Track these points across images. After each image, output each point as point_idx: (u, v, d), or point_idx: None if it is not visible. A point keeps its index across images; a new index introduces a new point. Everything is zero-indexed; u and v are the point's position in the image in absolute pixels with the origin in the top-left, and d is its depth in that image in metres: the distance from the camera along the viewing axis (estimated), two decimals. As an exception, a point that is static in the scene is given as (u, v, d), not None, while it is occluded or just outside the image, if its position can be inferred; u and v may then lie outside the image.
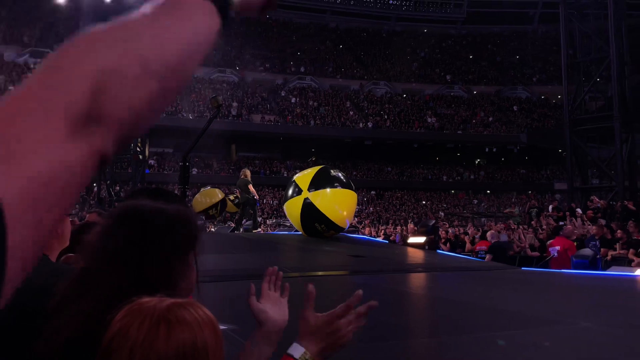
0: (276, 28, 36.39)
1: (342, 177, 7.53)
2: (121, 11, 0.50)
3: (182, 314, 0.72)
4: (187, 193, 9.86)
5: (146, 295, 0.74)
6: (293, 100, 34.01)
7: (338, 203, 7.27)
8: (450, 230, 13.56)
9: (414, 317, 3.95)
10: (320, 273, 5.51)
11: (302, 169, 36.07)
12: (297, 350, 1.04)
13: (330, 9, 35.39)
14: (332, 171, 7.63)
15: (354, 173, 33.15)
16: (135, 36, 0.45)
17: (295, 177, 7.71)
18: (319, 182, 7.25)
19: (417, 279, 5.74)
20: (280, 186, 31.57)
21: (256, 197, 10.28)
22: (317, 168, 7.76)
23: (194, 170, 26.60)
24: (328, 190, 7.21)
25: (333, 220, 7.21)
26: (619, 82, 18.32)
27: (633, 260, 8.03)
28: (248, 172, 10.44)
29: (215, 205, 10.45)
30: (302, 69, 35.39)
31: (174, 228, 0.94)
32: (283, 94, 34.22)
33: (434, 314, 3.98)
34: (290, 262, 6.26)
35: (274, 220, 11.87)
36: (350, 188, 7.50)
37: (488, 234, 9.99)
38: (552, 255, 8.35)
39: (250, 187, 10.10)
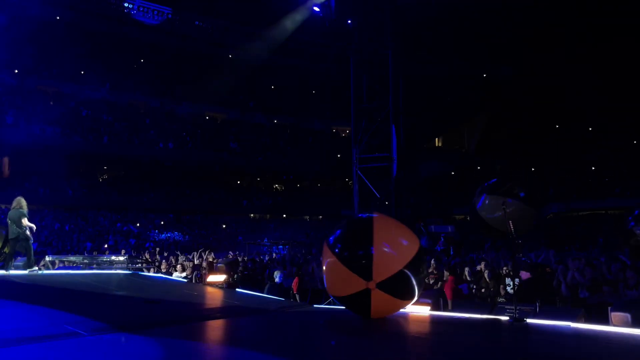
0: (65, 31, 32.72)
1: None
2: None
3: None
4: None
5: None
6: (84, 112, 30.95)
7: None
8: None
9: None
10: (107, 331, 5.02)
11: (89, 188, 32.66)
12: None
13: (131, 19, 33.25)
14: None
15: (152, 195, 31.55)
16: None
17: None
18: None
19: (213, 330, 5.63)
20: (64, 207, 28.24)
21: (31, 230, 8.94)
22: None
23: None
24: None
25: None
26: (395, 127, 21.24)
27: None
28: (24, 202, 9.05)
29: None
30: (97, 79, 32.48)
31: None
32: (72, 104, 30.88)
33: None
34: (70, 317, 5.54)
35: (55, 256, 10.41)
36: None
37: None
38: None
39: (25, 220, 8.79)
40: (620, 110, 30.22)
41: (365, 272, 5.14)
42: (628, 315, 6.21)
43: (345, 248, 5.45)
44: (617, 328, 5.89)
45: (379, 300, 5.24)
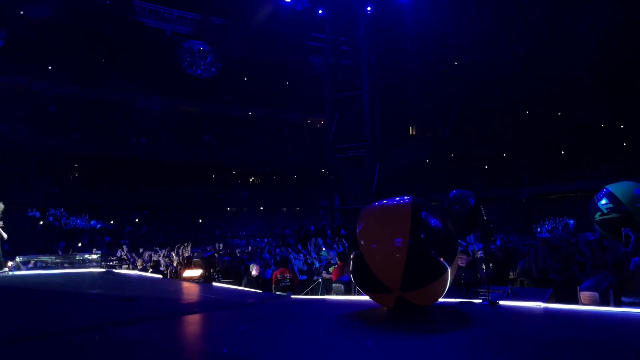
0: (28, 27, 31.68)
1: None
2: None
3: None
4: None
5: None
6: (52, 109, 30.21)
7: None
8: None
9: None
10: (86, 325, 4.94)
11: (61, 186, 32.03)
12: None
13: (91, 10, 32.09)
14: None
15: (125, 191, 31.06)
16: None
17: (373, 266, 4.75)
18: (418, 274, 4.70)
19: (190, 324, 5.60)
20: (36, 207, 27.58)
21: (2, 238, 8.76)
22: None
23: None
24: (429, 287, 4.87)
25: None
26: (369, 117, 21.33)
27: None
28: (1, 206, 8.89)
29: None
30: (65, 75, 31.67)
31: None
32: (41, 101, 30.09)
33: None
34: (42, 317, 5.43)
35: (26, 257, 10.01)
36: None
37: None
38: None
39: None
40: (588, 94, 30.91)
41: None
42: (596, 294, 6.41)
43: None
44: (586, 307, 6.07)
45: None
